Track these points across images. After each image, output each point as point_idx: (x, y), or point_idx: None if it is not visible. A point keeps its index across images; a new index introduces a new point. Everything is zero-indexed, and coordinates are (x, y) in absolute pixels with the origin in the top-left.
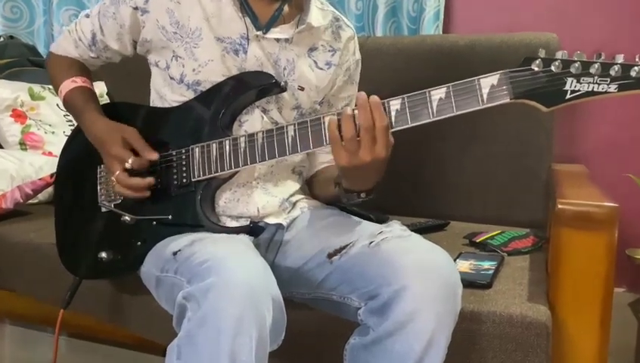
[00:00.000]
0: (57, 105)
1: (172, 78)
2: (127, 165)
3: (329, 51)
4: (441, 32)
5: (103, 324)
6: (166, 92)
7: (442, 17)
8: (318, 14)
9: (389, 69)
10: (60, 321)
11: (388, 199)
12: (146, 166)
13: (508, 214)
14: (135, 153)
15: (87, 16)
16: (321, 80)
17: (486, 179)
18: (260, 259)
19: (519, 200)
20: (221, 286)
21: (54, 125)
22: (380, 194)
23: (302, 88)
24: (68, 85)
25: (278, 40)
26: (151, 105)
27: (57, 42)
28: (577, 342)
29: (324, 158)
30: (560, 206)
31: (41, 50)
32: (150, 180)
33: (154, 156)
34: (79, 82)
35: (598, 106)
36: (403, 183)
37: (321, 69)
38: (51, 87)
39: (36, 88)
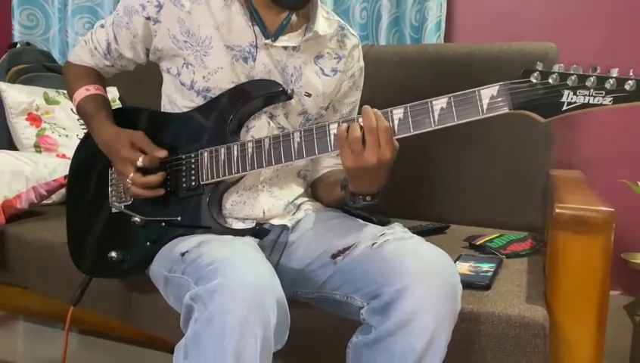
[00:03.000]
0: (71, 109)
1: (182, 84)
2: (139, 163)
3: (335, 58)
4: (442, 41)
5: (112, 321)
6: (176, 98)
7: (443, 26)
8: (324, 23)
9: (392, 77)
10: (70, 318)
11: (390, 202)
12: (156, 164)
13: (507, 218)
14: (144, 154)
15: (102, 26)
16: (327, 86)
17: (485, 184)
18: (266, 262)
19: (517, 204)
20: (227, 288)
21: (67, 128)
22: (383, 198)
23: (308, 95)
24: (81, 93)
25: (285, 48)
26: (162, 110)
27: (74, 51)
28: (574, 342)
29: (328, 162)
30: (557, 211)
31: (56, 56)
32: (162, 174)
33: (163, 153)
34: (92, 90)
35: (594, 115)
36: (405, 187)
37: (328, 75)
38: (65, 92)
39: (51, 92)
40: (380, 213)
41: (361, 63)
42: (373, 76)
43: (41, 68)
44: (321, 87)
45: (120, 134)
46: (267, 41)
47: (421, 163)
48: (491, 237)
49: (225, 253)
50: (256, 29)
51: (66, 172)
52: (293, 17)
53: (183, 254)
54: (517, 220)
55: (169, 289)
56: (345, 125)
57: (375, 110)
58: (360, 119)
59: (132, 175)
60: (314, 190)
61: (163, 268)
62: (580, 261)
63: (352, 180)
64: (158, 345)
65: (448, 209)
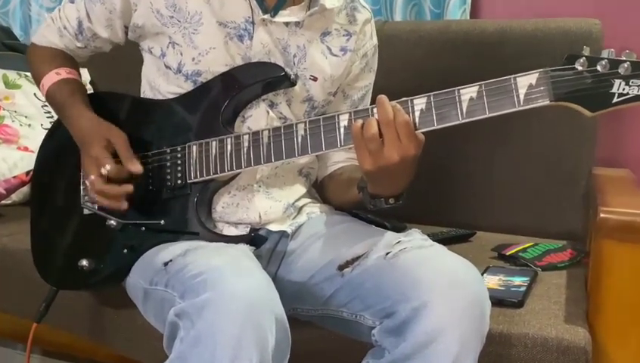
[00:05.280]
0: (35, 94)
1: (167, 67)
2: (103, 171)
3: (344, 35)
4: (468, 17)
5: (82, 341)
6: (160, 83)
7: None
8: None
9: (409, 58)
10: (32, 337)
11: (406, 205)
12: (124, 176)
13: (543, 224)
14: (117, 159)
15: (71, 1)
16: (335, 68)
17: (517, 184)
18: (263, 272)
19: (555, 209)
20: (218, 303)
21: (30, 116)
22: (406, 199)
23: (314, 78)
24: (51, 77)
25: (287, 24)
26: (142, 96)
27: (39, 32)
28: None
29: (339, 156)
30: (602, 215)
31: (17, 32)
32: (128, 187)
33: (137, 168)
34: (63, 73)
35: None
36: (424, 188)
37: (336, 55)
38: (28, 74)
39: (11, 75)
40: (394, 218)
41: (375, 41)
42: (386, 57)
43: None
44: (328, 69)
45: (99, 126)
46: (265, 16)
47: (443, 160)
48: (524, 246)
49: (215, 263)
50: (253, 2)
51: (29, 168)
52: None
53: (166, 263)
54: (555, 227)
55: (149, 304)
56: (360, 121)
57: (393, 102)
58: (375, 112)
59: (92, 177)
60: (323, 190)
61: (143, 279)
62: (628, 274)
63: (373, 182)
64: None
65: (474, 214)
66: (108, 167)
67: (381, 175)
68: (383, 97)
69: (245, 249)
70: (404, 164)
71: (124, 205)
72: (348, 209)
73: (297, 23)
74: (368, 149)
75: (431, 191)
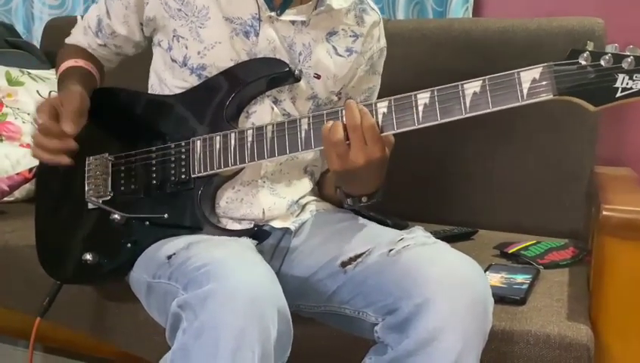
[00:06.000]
0: (38, 92)
1: (173, 60)
2: (39, 120)
3: (351, 36)
4: (471, 16)
5: (85, 337)
6: (166, 76)
7: None
8: None
9: (412, 57)
10: (36, 331)
11: (409, 204)
12: (56, 133)
13: (545, 222)
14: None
15: (97, 1)
16: (340, 68)
17: (519, 183)
18: (266, 265)
19: (557, 207)
20: (221, 294)
21: (33, 114)
22: (397, 198)
23: (318, 76)
24: (69, 63)
25: (293, 22)
26: (150, 90)
27: (72, 32)
28: None
29: None
30: (605, 213)
31: (20, 30)
32: (69, 143)
33: (69, 127)
34: (80, 63)
35: None
36: (426, 186)
37: (341, 56)
38: (31, 71)
39: (14, 72)
40: (396, 216)
41: (382, 44)
42: (389, 56)
43: (2, 43)
44: (332, 68)
45: (72, 89)
46: (272, 13)
47: (444, 158)
48: (526, 244)
49: (219, 255)
50: None
51: (32, 165)
52: None
53: (170, 257)
54: (557, 225)
55: (153, 298)
56: (330, 122)
57: (360, 105)
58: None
59: (39, 125)
60: (320, 186)
61: (146, 273)
62: (631, 271)
63: (342, 182)
64: None
65: (476, 212)
66: (40, 119)
67: (349, 176)
68: (351, 102)
69: (248, 243)
70: (370, 166)
71: (64, 160)
72: (339, 205)
73: (303, 22)
74: (336, 152)
75: (433, 190)
